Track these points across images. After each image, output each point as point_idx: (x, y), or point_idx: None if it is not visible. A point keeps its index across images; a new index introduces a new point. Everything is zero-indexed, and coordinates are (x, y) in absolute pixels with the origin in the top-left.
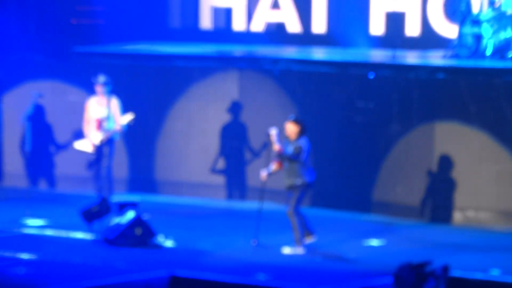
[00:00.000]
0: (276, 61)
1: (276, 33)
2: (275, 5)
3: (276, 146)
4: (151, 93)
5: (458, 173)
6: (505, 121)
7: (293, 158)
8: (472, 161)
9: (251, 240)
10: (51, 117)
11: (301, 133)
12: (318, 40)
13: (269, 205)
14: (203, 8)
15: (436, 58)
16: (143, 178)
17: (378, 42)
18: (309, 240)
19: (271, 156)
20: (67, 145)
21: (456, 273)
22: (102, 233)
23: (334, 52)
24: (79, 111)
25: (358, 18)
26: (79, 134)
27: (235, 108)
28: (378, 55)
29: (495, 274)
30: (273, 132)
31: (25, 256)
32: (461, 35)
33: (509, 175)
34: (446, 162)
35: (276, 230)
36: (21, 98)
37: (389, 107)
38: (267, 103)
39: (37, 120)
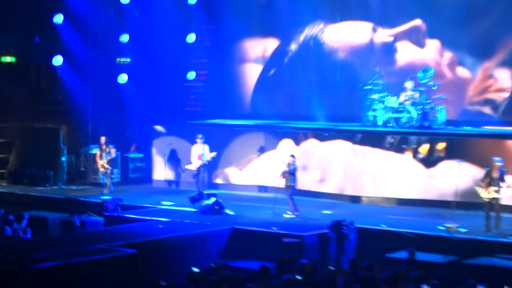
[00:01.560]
0: None
1: None
2: None
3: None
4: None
5: None
6: None
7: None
8: None
9: (271, 211)
10: (177, 153)
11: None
12: None
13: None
14: None
15: None
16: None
17: None
18: (295, 213)
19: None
20: (183, 167)
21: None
22: (199, 208)
23: None
24: (188, 151)
25: None
26: (189, 161)
27: None
28: None
29: (383, 226)
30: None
31: (163, 219)
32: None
33: None
34: None
35: (282, 206)
36: (162, 145)
37: None
38: None
39: (170, 154)
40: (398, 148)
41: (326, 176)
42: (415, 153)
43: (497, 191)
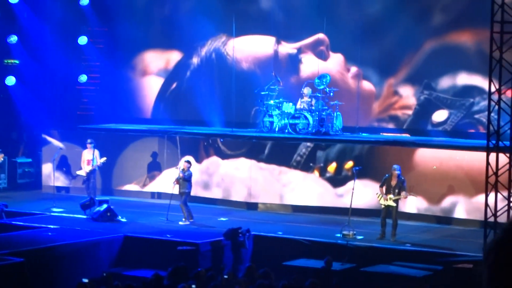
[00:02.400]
0: None
1: None
2: None
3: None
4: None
5: None
6: None
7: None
8: None
9: (165, 218)
10: (67, 158)
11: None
12: None
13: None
14: None
15: None
16: (110, 188)
17: None
18: (190, 220)
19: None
20: (73, 172)
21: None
22: (91, 215)
23: None
24: (79, 156)
25: None
26: (79, 167)
27: None
28: None
29: (279, 233)
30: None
31: (52, 226)
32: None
33: None
34: None
35: (177, 213)
36: (52, 148)
37: None
38: None
39: (60, 159)
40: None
41: (221, 183)
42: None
43: (394, 200)
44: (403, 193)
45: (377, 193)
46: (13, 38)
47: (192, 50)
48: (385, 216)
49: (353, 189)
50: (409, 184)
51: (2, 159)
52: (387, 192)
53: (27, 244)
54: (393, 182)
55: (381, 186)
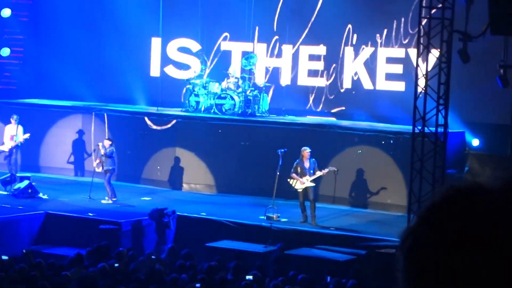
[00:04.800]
0: None
1: None
2: None
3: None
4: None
5: None
6: None
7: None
8: None
9: (88, 197)
10: None
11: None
12: None
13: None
14: None
15: None
16: (32, 164)
17: None
18: (113, 198)
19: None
20: None
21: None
22: (11, 191)
23: None
24: (1, 131)
25: None
26: (1, 142)
27: None
28: None
29: (203, 214)
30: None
31: None
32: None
33: None
34: None
35: (100, 191)
36: None
37: None
38: None
39: None
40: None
41: (147, 162)
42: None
43: (312, 180)
44: (320, 171)
45: (289, 180)
46: None
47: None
48: (303, 200)
49: (278, 171)
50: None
51: None
52: (302, 175)
53: None
54: (307, 164)
55: (293, 172)
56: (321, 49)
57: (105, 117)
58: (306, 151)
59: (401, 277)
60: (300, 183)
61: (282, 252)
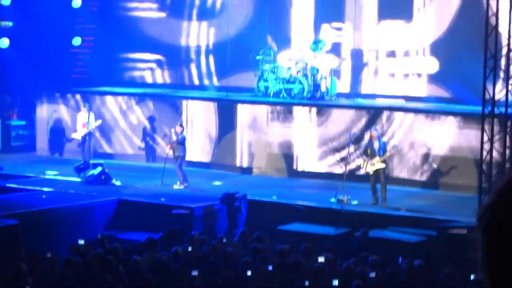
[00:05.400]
0: None
1: None
2: None
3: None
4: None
5: None
6: None
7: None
8: None
9: (160, 182)
10: (61, 121)
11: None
12: None
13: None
14: None
15: None
16: (104, 151)
17: None
18: (184, 184)
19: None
20: (67, 135)
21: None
22: (85, 178)
23: None
24: (74, 119)
25: None
26: (74, 130)
27: None
28: None
29: (274, 198)
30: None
31: (46, 189)
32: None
33: None
34: None
35: (171, 177)
36: (46, 111)
37: None
38: None
39: (54, 122)
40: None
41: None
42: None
43: (382, 160)
44: (388, 152)
45: (361, 163)
46: (6, 0)
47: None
48: (374, 182)
49: (348, 154)
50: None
51: None
52: (372, 157)
53: (21, 206)
54: (376, 145)
55: (363, 154)
56: None
57: (177, 103)
58: (374, 132)
59: (480, 255)
60: (371, 165)
61: (366, 236)
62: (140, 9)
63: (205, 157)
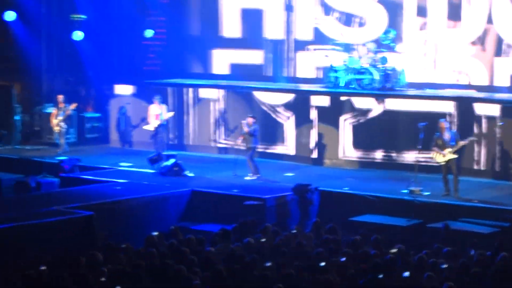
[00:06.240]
0: None
1: None
2: None
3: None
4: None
5: None
6: None
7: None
8: None
9: (232, 173)
10: (134, 113)
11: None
12: None
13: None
14: None
15: None
16: (177, 143)
17: None
18: (256, 175)
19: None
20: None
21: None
22: (158, 170)
23: None
24: (146, 111)
25: None
26: (146, 122)
27: None
28: None
29: (345, 189)
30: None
31: (121, 181)
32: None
33: None
34: None
35: (243, 168)
36: (119, 103)
37: None
38: None
39: (126, 115)
40: None
41: (290, 138)
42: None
43: (454, 151)
44: (461, 142)
45: (431, 154)
46: None
47: None
48: (446, 173)
49: (419, 145)
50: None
51: (70, 112)
52: (443, 148)
53: (96, 197)
54: (446, 136)
55: (434, 146)
56: None
57: (248, 95)
58: (443, 123)
59: None
60: (442, 156)
61: (447, 229)
62: None
63: (279, 149)
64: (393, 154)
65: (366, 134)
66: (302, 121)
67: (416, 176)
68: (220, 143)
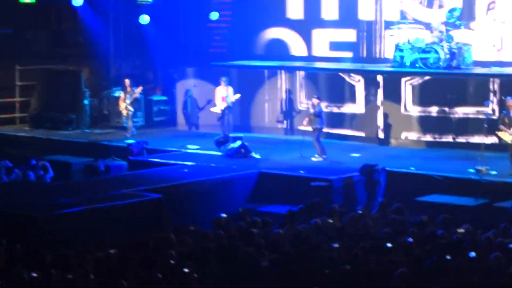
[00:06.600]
0: None
1: None
2: None
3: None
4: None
5: None
6: None
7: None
8: None
9: (299, 154)
10: (200, 96)
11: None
12: None
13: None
14: None
15: None
16: (243, 124)
17: None
18: (323, 156)
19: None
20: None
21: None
22: (225, 152)
23: None
24: (213, 93)
25: None
26: (212, 104)
27: None
28: None
29: (412, 169)
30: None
31: (188, 163)
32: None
33: None
34: None
35: (310, 149)
36: (186, 86)
37: None
38: None
39: (193, 97)
40: None
41: (354, 118)
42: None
43: None
44: None
45: (498, 133)
46: None
47: None
48: None
49: (485, 123)
50: None
51: (138, 95)
52: (510, 126)
53: (164, 180)
54: None
55: (501, 124)
56: None
57: (312, 76)
58: (510, 101)
59: None
60: (509, 135)
61: None
62: None
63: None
64: (458, 133)
65: (431, 113)
66: (369, 101)
67: (482, 155)
68: (286, 124)
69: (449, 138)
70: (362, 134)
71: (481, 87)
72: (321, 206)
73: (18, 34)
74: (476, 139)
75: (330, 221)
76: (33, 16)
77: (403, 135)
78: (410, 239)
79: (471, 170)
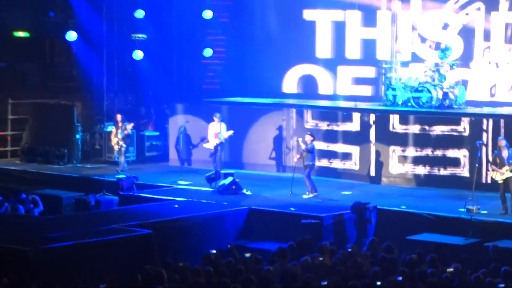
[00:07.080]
0: None
1: None
2: None
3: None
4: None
5: None
6: None
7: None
8: None
9: (289, 191)
10: (192, 132)
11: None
12: None
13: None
14: None
15: None
16: (235, 161)
17: None
18: (314, 193)
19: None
20: (199, 145)
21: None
22: (216, 188)
23: None
24: (205, 129)
25: None
26: (205, 140)
27: None
28: None
29: (403, 208)
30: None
31: (179, 199)
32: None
33: None
34: None
35: (300, 186)
36: (178, 121)
37: None
38: None
39: (185, 133)
40: None
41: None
42: None
43: (511, 170)
44: None
45: (489, 172)
46: (140, 13)
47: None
48: (503, 191)
49: (477, 163)
50: None
51: (130, 131)
52: (501, 166)
53: (155, 216)
54: (505, 154)
55: (492, 164)
56: None
57: (305, 113)
58: (502, 141)
59: None
60: (500, 174)
61: (496, 250)
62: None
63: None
64: (449, 173)
65: (422, 153)
66: (360, 140)
67: (473, 195)
68: (277, 161)
69: (437, 177)
70: (354, 173)
71: (474, 127)
72: (312, 243)
73: (11, 68)
74: (466, 178)
75: (320, 258)
76: (26, 50)
77: (394, 173)
78: (400, 278)
79: (462, 209)
